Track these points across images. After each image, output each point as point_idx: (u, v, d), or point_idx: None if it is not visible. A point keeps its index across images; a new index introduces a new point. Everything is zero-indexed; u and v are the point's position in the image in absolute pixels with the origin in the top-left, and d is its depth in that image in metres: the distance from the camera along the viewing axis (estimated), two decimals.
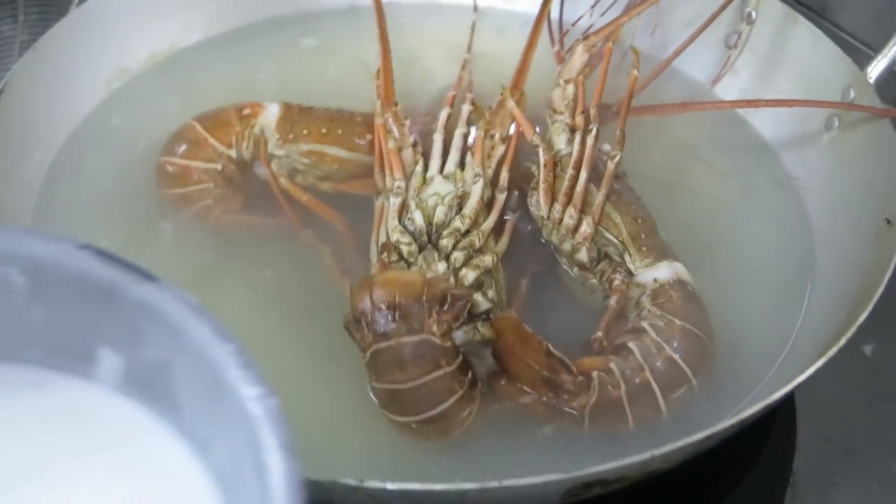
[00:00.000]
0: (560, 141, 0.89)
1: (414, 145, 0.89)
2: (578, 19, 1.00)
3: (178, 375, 0.50)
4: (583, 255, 0.84)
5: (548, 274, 0.87)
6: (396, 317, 0.73)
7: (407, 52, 1.01)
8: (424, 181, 0.87)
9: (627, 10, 0.95)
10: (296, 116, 0.93)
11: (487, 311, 0.80)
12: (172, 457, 0.51)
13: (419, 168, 0.88)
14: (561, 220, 0.85)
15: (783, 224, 0.92)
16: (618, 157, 0.86)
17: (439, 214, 0.84)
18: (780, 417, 0.85)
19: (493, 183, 0.87)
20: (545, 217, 0.86)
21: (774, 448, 0.85)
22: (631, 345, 0.79)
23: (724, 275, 0.88)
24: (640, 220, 0.85)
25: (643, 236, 0.84)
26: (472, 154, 0.87)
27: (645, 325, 0.80)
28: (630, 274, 0.83)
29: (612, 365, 0.77)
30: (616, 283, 0.83)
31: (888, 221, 0.83)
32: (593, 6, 1.01)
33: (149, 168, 0.92)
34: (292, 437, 0.45)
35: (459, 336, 0.77)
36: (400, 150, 0.88)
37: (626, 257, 0.84)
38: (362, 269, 0.84)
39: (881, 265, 0.79)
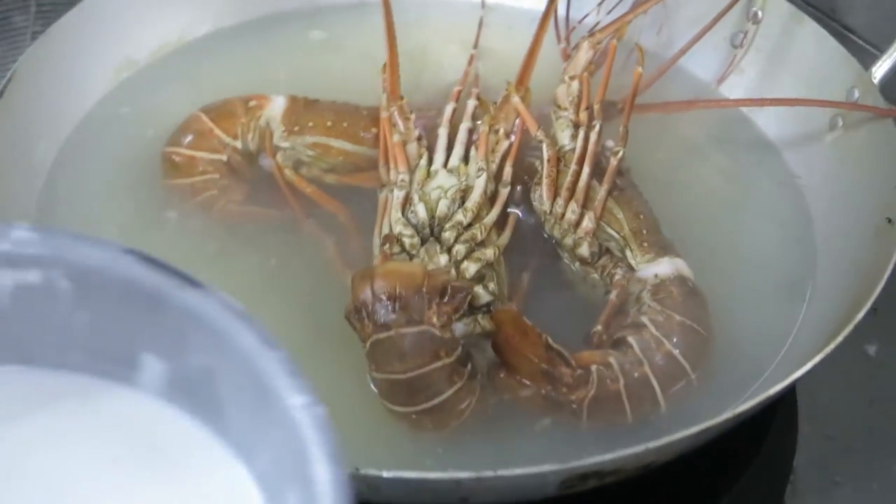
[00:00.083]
0: (564, 137, 0.89)
1: (419, 139, 0.90)
2: (585, 17, 1.00)
3: (222, 382, 0.50)
4: (584, 250, 0.85)
5: (549, 268, 0.87)
6: (396, 307, 0.74)
7: (415, 48, 1.02)
8: (428, 175, 0.87)
9: (633, 7, 0.95)
10: (301, 109, 0.93)
11: (488, 304, 0.80)
12: (217, 465, 0.50)
13: (423, 162, 0.88)
14: (563, 214, 0.85)
15: (785, 222, 0.92)
16: (620, 154, 0.86)
17: (442, 207, 0.84)
18: (781, 415, 0.85)
19: (496, 177, 0.88)
20: (548, 212, 0.86)
21: (775, 445, 0.85)
22: (630, 339, 0.79)
23: (725, 271, 0.88)
24: (641, 216, 0.85)
25: (645, 232, 0.84)
26: (476, 148, 0.88)
27: (645, 320, 0.80)
28: (631, 269, 0.84)
29: (611, 359, 0.78)
30: (617, 277, 0.83)
31: (889, 220, 0.83)
32: (600, 4, 1.01)
33: (156, 157, 0.93)
34: (340, 447, 0.44)
35: (460, 328, 0.78)
36: (405, 143, 0.89)
37: (628, 253, 0.84)
38: (365, 261, 0.85)
39: (881, 263, 0.79)
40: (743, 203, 0.95)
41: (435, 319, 0.74)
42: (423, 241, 0.83)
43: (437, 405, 0.75)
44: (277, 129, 0.93)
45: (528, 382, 0.77)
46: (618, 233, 0.84)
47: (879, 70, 0.91)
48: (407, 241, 0.83)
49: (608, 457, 0.68)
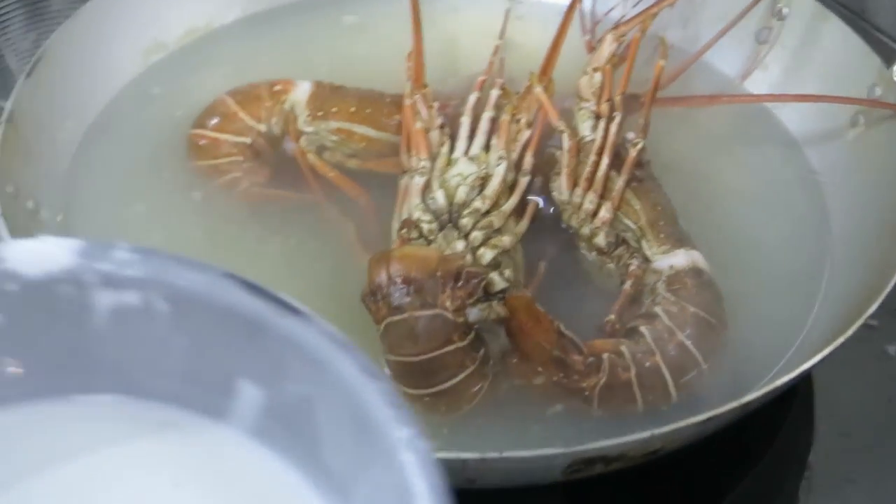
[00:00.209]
0: (585, 128, 0.89)
1: (441, 127, 0.90)
2: (611, 10, 1.01)
3: (320, 412, 0.48)
4: (601, 240, 0.85)
5: (566, 258, 0.87)
6: (411, 291, 0.74)
7: (448, 39, 1.03)
8: (449, 162, 0.88)
9: (659, 1, 0.96)
10: (326, 94, 0.94)
11: (504, 291, 0.81)
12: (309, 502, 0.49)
13: (445, 149, 0.89)
14: (581, 204, 0.86)
15: (802, 216, 0.92)
16: (640, 145, 0.87)
17: (460, 194, 0.85)
18: (797, 411, 0.86)
19: (516, 166, 0.88)
20: (566, 201, 0.87)
21: (789, 440, 0.85)
22: (643, 329, 0.79)
23: (741, 264, 0.88)
24: (659, 208, 0.85)
25: (661, 223, 0.85)
26: (498, 137, 0.89)
27: (658, 310, 0.80)
28: (647, 260, 0.84)
29: (623, 348, 0.78)
30: (632, 268, 0.84)
31: None
32: None
33: (183, 139, 0.94)
34: (445, 483, 0.42)
35: (475, 313, 0.78)
36: (427, 131, 0.89)
37: (644, 243, 0.84)
38: (384, 245, 0.85)
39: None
40: (762, 197, 0.95)
41: (448, 303, 0.75)
42: (442, 227, 0.84)
43: (449, 388, 0.76)
44: (302, 113, 0.93)
45: (540, 369, 0.77)
46: (634, 223, 0.85)
47: None
48: (425, 226, 0.83)
49: (613, 442, 0.68)
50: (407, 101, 0.91)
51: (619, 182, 0.85)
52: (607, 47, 0.92)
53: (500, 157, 0.87)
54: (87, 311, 0.49)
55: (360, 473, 0.46)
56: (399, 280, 0.75)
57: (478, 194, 0.85)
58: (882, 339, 0.87)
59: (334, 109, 0.93)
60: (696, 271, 0.83)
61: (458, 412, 0.77)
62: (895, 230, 0.84)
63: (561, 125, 0.88)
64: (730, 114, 1.00)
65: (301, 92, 0.94)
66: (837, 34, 0.97)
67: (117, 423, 0.51)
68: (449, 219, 0.84)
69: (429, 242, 0.83)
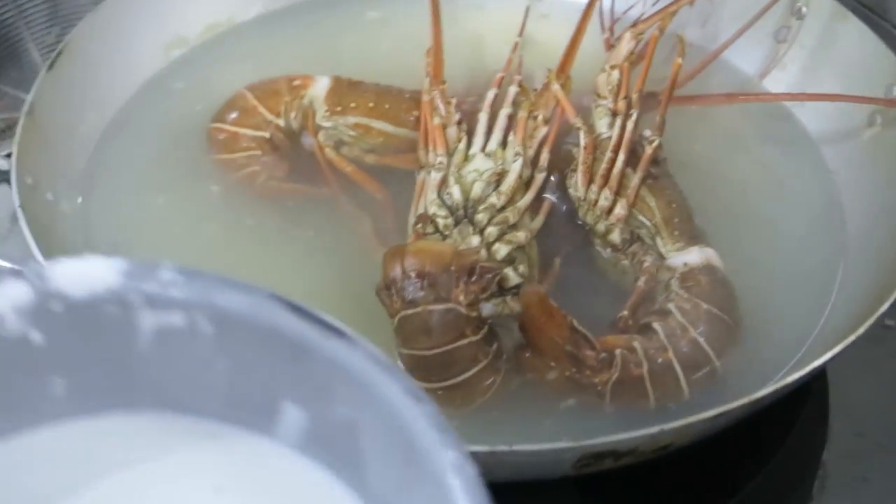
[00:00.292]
0: (602, 125, 0.90)
1: (459, 123, 0.91)
2: (630, 8, 1.01)
3: (365, 436, 0.48)
4: (615, 237, 0.85)
5: (581, 254, 0.88)
6: (425, 285, 0.75)
7: (468, 35, 1.04)
8: (466, 158, 0.88)
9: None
10: (345, 90, 0.95)
11: (518, 286, 0.81)
12: None
13: (462, 145, 0.89)
14: (596, 201, 0.86)
15: (818, 216, 0.92)
16: (656, 143, 0.87)
17: (476, 190, 0.85)
18: (811, 409, 0.86)
19: (533, 163, 0.88)
20: (582, 198, 0.87)
21: (803, 438, 0.85)
22: (656, 325, 0.80)
23: (756, 262, 0.88)
24: (674, 205, 0.86)
25: (676, 220, 0.85)
26: (515, 133, 0.89)
27: (671, 307, 0.80)
28: (661, 257, 0.84)
29: (636, 344, 0.78)
30: (646, 265, 0.84)
31: None
32: None
33: (203, 132, 0.95)
34: None
35: (489, 308, 0.79)
36: (445, 127, 0.90)
37: (658, 240, 0.85)
38: (400, 240, 0.86)
39: None
40: (778, 195, 0.95)
41: (462, 298, 0.75)
42: (457, 223, 0.84)
43: (462, 382, 0.76)
44: (320, 108, 0.94)
45: (552, 364, 0.77)
46: (649, 220, 0.85)
47: None
48: (441, 221, 0.84)
49: (622, 436, 0.68)
50: (425, 97, 0.91)
51: (635, 179, 0.86)
52: (625, 45, 0.92)
53: (517, 154, 0.87)
54: (131, 332, 0.49)
55: (405, 495, 0.46)
56: (413, 274, 0.75)
57: (493, 190, 0.85)
58: None
59: (353, 105, 0.94)
60: (710, 269, 0.83)
61: (472, 405, 0.77)
62: None
63: (578, 122, 0.88)
64: (747, 112, 1.00)
65: (320, 87, 0.95)
66: (856, 34, 0.96)
67: (159, 436, 0.51)
68: (464, 214, 0.85)
69: (444, 237, 0.83)
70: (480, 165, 0.87)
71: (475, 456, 0.66)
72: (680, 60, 0.91)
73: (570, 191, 0.88)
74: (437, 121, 0.90)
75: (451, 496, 0.42)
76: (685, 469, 0.79)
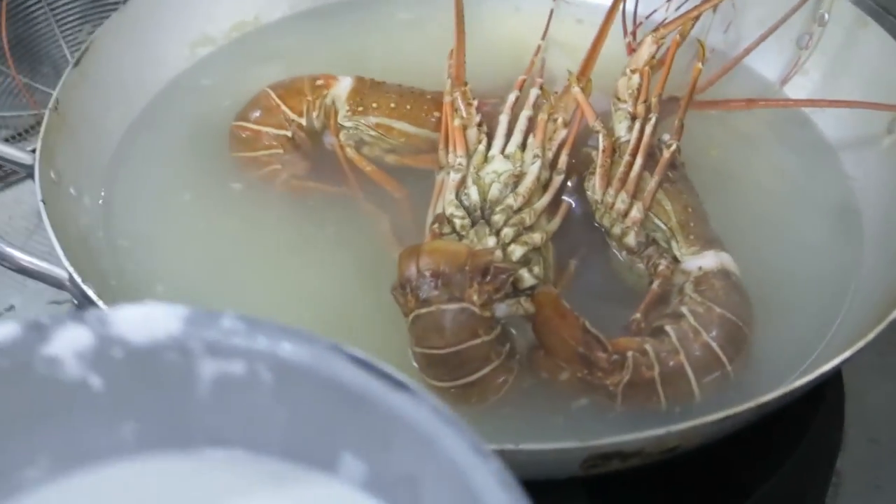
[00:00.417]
0: (621, 128, 0.90)
1: (479, 125, 0.91)
2: (653, 12, 1.02)
3: (426, 490, 0.46)
4: (631, 240, 0.86)
5: (597, 256, 0.88)
6: (439, 284, 0.76)
7: (508, 37, 1.05)
8: (486, 160, 0.89)
9: (699, 4, 0.96)
10: (367, 90, 0.96)
11: (532, 287, 0.82)
12: None
13: (482, 147, 0.90)
14: (613, 204, 0.86)
15: (835, 222, 0.92)
16: (674, 147, 0.87)
17: (494, 191, 0.86)
18: (825, 414, 0.86)
19: (551, 165, 0.89)
20: (599, 200, 0.87)
21: (817, 444, 0.85)
22: (668, 328, 0.80)
23: (773, 267, 0.88)
24: (690, 209, 0.86)
25: (692, 224, 0.85)
26: (534, 136, 0.90)
27: (685, 310, 0.81)
28: (676, 260, 0.85)
29: (648, 346, 0.79)
30: (661, 268, 0.84)
31: None
32: (668, 0, 1.02)
33: (227, 130, 0.96)
34: None
35: (503, 309, 0.79)
36: (465, 128, 0.91)
37: (673, 244, 0.85)
38: (418, 240, 0.86)
39: None
40: (796, 200, 0.95)
41: (475, 298, 0.76)
42: (474, 223, 0.85)
43: (474, 381, 0.77)
44: (342, 108, 0.95)
45: (564, 364, 0.78)
46: (665, 224, 0.85)
47: None
48: (458, 221, 0.85)
49: (628, 437, 0.68)
50: (447, 99, 0.92)
51: (652, 183, 0.86)
52: (646, 49, 0.92)
53: (536, 156, 0.88)
54: (191, 379, 0.48)
55: None
56: (428, 273, 0.76)
57: (511, 192, 0.86)
58: None
59: (374, 105, 0.95)
60: (724, 273, 0.83)
61: (485, 404, 0.78)
62: None
63: (597, 125, 0.89)
64: (766, 117, 1.00)
65: (342, 87, 0.96)
66: (877, 41, 0.97)
67: (224, 474, 0.50)
68: (481, 215, 0.85)
69: (461, 238, 0.84)
70: (499, 167, 0.88)
71: None
72: (700, 65, 0.92)
73: (588, 193, 0.88)
74: (457, 122, 0.90)
75: None
76: (694, 473, 0.79)
